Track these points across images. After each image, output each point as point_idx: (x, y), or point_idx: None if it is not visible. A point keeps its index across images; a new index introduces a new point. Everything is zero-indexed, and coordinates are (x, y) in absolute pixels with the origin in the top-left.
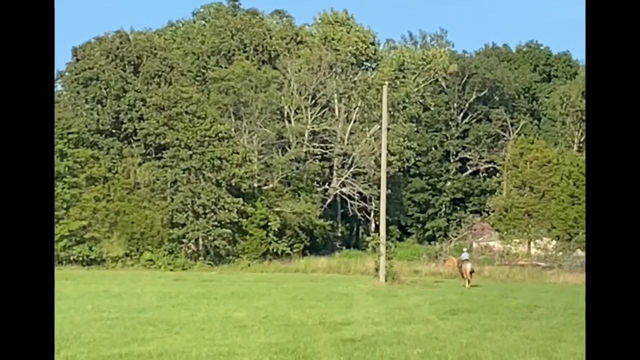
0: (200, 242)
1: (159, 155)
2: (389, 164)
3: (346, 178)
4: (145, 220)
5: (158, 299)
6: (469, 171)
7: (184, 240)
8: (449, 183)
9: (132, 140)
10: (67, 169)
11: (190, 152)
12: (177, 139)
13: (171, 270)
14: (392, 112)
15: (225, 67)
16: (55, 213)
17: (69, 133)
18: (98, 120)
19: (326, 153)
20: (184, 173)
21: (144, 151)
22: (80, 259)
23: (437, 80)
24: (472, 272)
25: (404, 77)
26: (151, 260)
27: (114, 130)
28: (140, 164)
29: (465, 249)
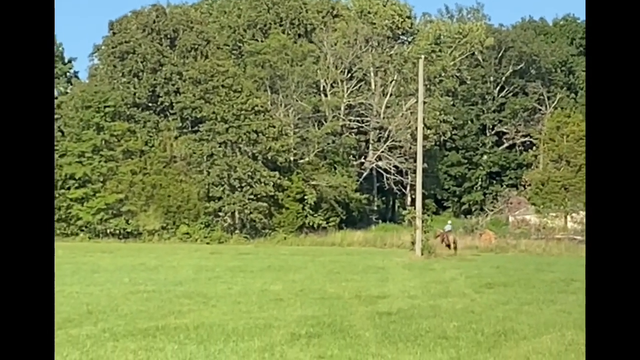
0: (237, 215)
1: (195, 128)
2: (425, 137)
3: (382, 152)
4: (181, 193)
5: (194, 272)
6: (505, 145)
7: (220, 214)
8: (485, 157)
9: (168, 114)
10: (103, 142)
11: (227, 126)
12: (214, 113)
13: (207, 243)
14: (428, 86)
15: (262, 41)
16: (92, 186)
17: (105, 106)
18: (134, 94)
19: (362, 127)
20: (220, 146)
21: (180, 124)
22: (117, 232)
23: (473, 53)
24: (455, 242)
25: (440, 50)
26: (187, 233)
27: (150, 104)
28: (176, 138)
29: (449, 222)
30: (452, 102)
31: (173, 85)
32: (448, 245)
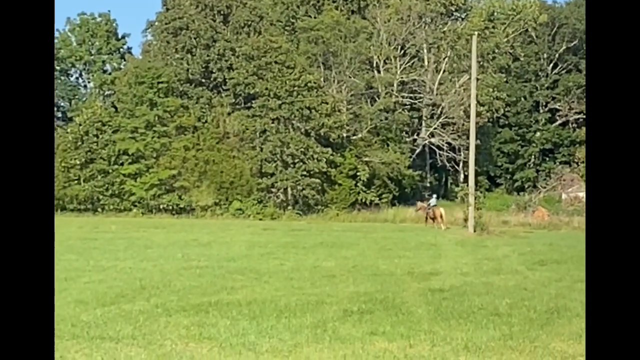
0: (289, 191)
1: (248, 104)
2: (478, 114)
3: (435, 128)
4: (234, 169)
5: (247, 248)
6: (559, 122)
7: (273, 190)
8: (538, 134)
9: (221, 90)
10: (157, 118)
11: (280, 102)
12: (267, 89)
13: (260, 219)
14: (481, 63)
15: (315, 17)
16: (146, 162)
17: (159, 82)
18: (188, 70)
19: (415, 103)
20: (273, 123)
21: (233, 101)
22: (170, 207)
23: (526, 30)
24: (441, 216)
25: (493, 27)
26: (240, 209)
27: (203, 80)
28: (229, 114)
29: (434, 195)
30: (505, 79)
31: (226, 61)
32: (433, 219)
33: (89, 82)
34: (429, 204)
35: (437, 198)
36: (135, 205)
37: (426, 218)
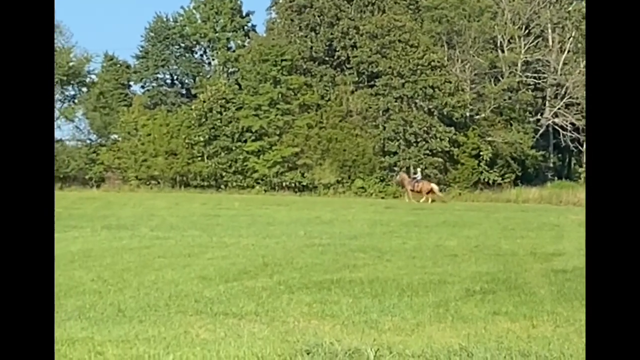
0: (411, 170)
1: (372, 83)
2: None
3: (559, 108)
4: (357, 147)
5: (369, 226)
6: None
7: (395, 169)
8: None
9: (344, 68)
10: (280, 95)
11: (403, 81)
12: (390, 67)
13: (382, 198)
14: None
15: None
16: (269, 139)
17: (282, 60)
18: (311, 48)
19: (539, 83)
20: (396, 101)
21: (356, 79)
22: (293, 185)
23: None
24: (431, 191)
25: None
26: (362, 187)
27: (327, 58)
28: (352, 92)
29: (419, 169)
30: None
31: (350, 39)
32: (419, 192)
33: (213, 59)
34: (414, 178)
35: (560, 178)
36: (258, 183)
37: (409, 191)
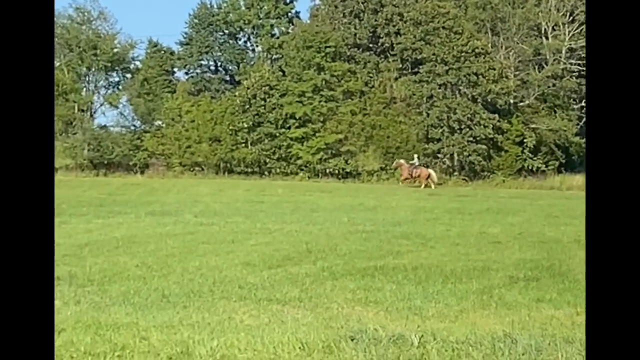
0: (455, 157)
1: (415, 70)
2: None
3: None
4: (400, 134)
5: (413, 213)
6: None
7: (439, 156)
8: None
9: (388, 55)
10: (324, 82)
11: (447, 68)
12: (434, 54)
13: (425, 185)
14: None
15: None
16: (312, 126)
17: (326, 47)
18: (355, 35)
19: (583, 70)
20: (439, 88)
21: (400, 66)
22: (336, 171)
23: None
24: (429, 176)
25: None
26: None
27: (370, 45)
28: (396, 79)
29: (415, 155)
30: None
31: (394, 26)
32: (417, 178)
33: (256, 46)
34: (411, 164)
35: None
36: (302, 169)
37: (407, 178)
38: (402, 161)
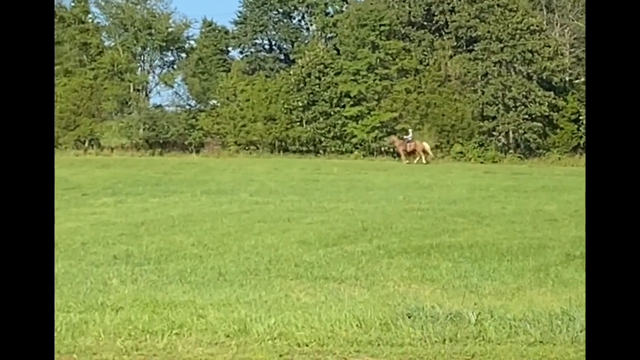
0: (511, 135)
1: (470, 47)
2: None
3: None
4: (455, 112)
5: (468, 191)
6: None
7: (494, 133)
8: None
9: (443, 33)
10: (378, 60)
11: (501, 45)
12: (489, 32)
13: (481, 162)
14: None
15: None
16: (367, 104)
17: (381, 25)
18: (410, 13)
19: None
20: (494, 66)
21: (454, 44)
22: (391, 150)
23: None
24: (424, 151)
25: None
26: (461, 152)
27: (425, 23)
28: (451, 57)
29: (410, 129)
30: None
31: (448, 4)
32: (412, 152)
33: (311, 24)
34: (405, 139)
35: None
36: (357, 148)
37: (400, 153)
38: (394, 137)
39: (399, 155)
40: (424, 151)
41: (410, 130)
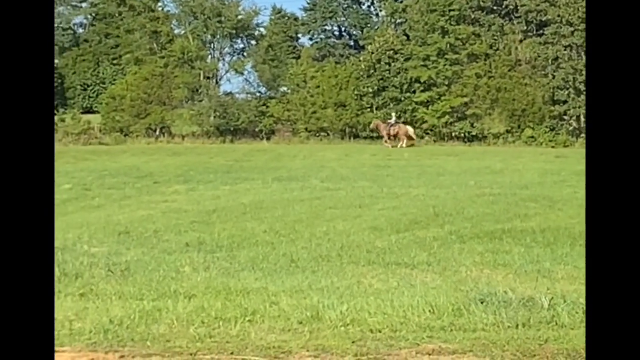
0: (582, 119)
1: (540, 32)
2: None
3: None
4: (526, 97)
5: (539, 175)
6: None
7: (565, 117)
8: None
9: (512, 17)
10: (448, 45)
11: (572, 29)
12: (559, 16)
13: (552, 147)
14: None
15: None
16: (437, 89)
17: (450, 10)
18: None
19: None
20: (565, 50)
21: (524, 28)
22: (462, 135)
23: None
24: (407, 135)
25: None
26: (532, 137)
27: (494, 7)
28: (521, 41)
29: (393, 113)
30: None
31: None
32: (395, 136)
33: (380, 10)
34: (388, 122)
35: None
36: (427, 133)
37: (384, 136)
38: (378, 121)
39: (381, 138)
40: (408, 135)
41: (393, 114)
